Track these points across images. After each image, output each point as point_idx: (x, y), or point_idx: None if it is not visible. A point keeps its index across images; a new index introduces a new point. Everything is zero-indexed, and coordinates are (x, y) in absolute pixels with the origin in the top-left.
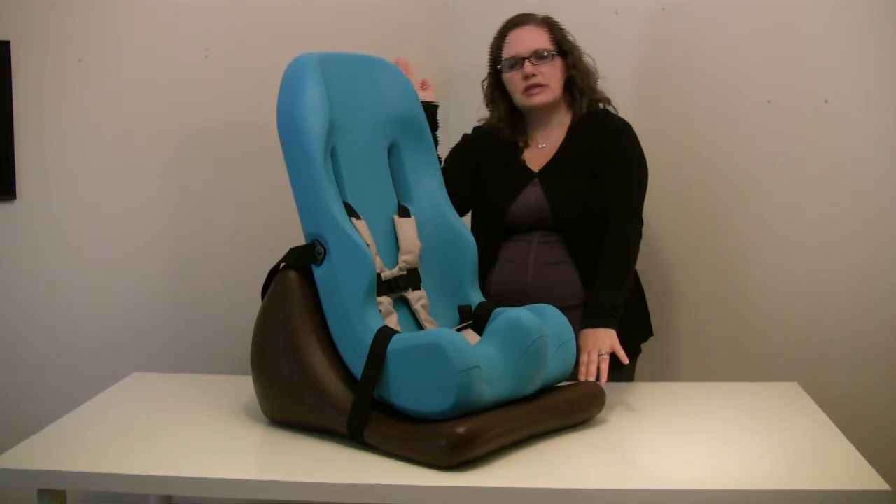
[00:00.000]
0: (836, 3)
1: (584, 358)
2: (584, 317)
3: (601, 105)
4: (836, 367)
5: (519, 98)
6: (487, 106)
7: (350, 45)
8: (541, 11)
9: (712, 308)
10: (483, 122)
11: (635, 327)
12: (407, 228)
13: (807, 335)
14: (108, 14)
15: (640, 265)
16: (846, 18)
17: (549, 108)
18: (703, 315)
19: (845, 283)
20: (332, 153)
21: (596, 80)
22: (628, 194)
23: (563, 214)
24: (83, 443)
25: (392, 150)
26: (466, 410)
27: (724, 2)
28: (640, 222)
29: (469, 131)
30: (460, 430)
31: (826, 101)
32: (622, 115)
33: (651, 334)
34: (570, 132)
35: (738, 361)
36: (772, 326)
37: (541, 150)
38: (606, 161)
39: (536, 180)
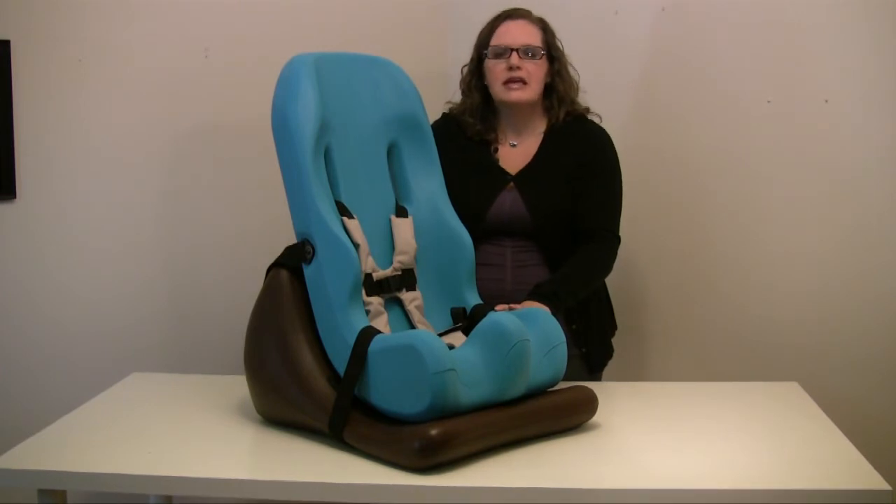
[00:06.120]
0: (837, 3)
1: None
2: (532, 291)
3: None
4: (836, 367)
5: (497, 90)
6: (463, 93)
7: (350, 45)
8: (541, 11)
9: (712, 308)
10: (452, 108)
11: (604, 327)
12: (403, 229)
13: (807, 335)
14: (108, 14)
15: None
16: (846, 18)
17: (525, 108)
18: (701, 315)
19: (845, 283)
20: (327, 153)
21: (577, 91)
22: (608, 213)
23: (542, 222)
24: (83, 443)
25: (392, 151)
26: (443, 413)
27: (723, 2)
28: (618, 241)
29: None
30: (433, 432)
31: (826, 101)
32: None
33: (615, 328)
34: (547, 137)
35: (739, 361)
36: (772, 326)
37: (514, 151)
38: (586, 174)
39: (513, 184)
